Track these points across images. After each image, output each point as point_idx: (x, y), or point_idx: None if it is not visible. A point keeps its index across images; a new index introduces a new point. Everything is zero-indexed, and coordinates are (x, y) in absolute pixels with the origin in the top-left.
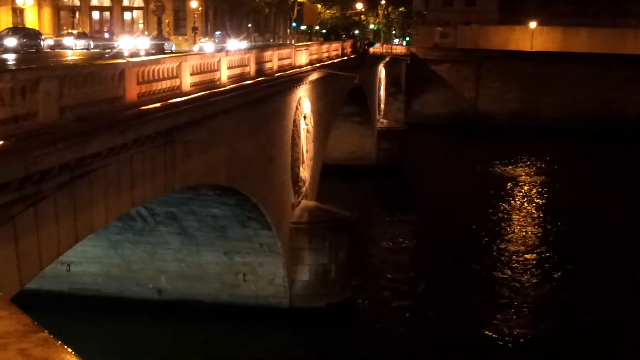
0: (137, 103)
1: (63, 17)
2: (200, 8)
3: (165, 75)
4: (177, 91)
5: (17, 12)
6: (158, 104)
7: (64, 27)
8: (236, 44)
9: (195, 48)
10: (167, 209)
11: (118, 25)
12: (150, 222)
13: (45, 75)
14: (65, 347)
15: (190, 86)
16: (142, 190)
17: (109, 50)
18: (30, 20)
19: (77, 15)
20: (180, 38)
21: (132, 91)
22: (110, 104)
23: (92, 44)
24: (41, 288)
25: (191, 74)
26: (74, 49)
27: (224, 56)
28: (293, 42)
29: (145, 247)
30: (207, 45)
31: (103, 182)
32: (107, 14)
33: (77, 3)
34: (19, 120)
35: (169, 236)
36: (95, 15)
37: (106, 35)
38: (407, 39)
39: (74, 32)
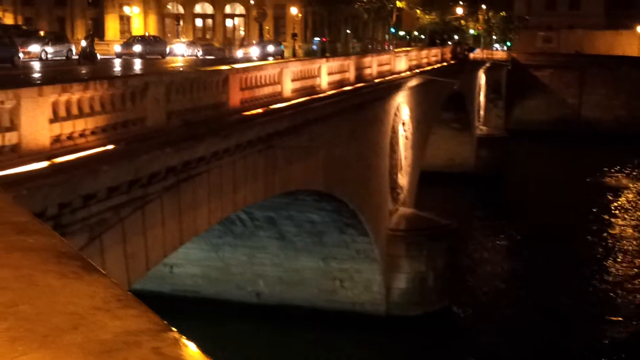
0: (240, 109)
1: (168, 24)
2: (299, 15)
3: (267, 81)
4: (278, 97)
5: (124, 20)
6: (260, 110)
7: (168, 35)
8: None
9: (239, 53)
10: (266, 214)
11: (220, 32)
12: (250, 226)
13: (154, 82)
14: (197, 347)
15: (291, 92)
16: (244, 194)
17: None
18: (136, 28)
19: (181, 22)
20: None
21: (236, 97)
22: (215, 110)
23: (200, 51)
24: (145, 288)
25: (292, 80)
26: (185, 56)
27: (324, 62)
28: (391, 47)
29: (245, 251)
30: (252, 49)
31: (206, 186)
32: (209, 21)
33: (181, 11)
34: (129, 124)
35: (268, 240)
36: (198, 22)
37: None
38: (508, 44)
39: (184, 39)
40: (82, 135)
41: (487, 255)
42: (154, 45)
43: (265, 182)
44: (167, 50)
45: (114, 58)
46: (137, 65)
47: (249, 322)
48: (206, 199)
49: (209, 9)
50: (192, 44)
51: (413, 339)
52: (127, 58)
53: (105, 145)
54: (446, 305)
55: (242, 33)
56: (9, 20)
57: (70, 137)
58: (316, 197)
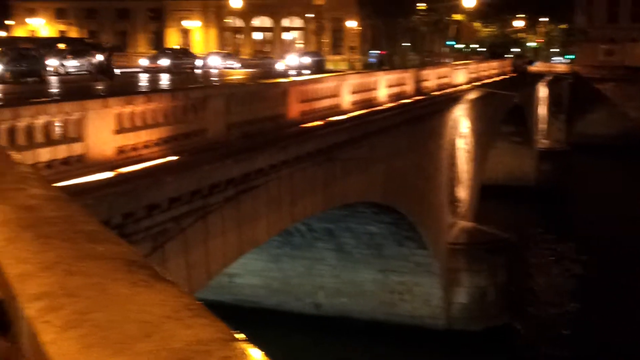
0: (298, 121)
1: (227, 37)
2: (358, 28)
3: (326, 94)
4: (337, 109)
5: (185, 33)
6: (319, 122)
7: (228, 48)
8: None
9: (281, 66)
10: (325, 225)
11: (277, 44)
12: (308, 237)
13: (214, 94)
14: (265, 357)
15: (350, 105)
16: (302, 206)
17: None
18: (197, 41)
19: (239, 35)
20: (337, 57)
21: (295, 109)
22: (274, 122)
23: (238, 63)
24: (206, 298)
25: (351, 93)
26: (220, 68)
27: (382, 75)
28: (450, 60)
29: (304, 262)
30: (288, 60)
31: (265, 197)
32: (268, 34)
33: (241, 24)
34: (190, 136)
35: (326, 252)
36: (257, 35)
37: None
38: (569, 56)
39: (222, 51)
40: (145, 146)
41: (548, 270)
42: (183, 58)
43: (324, 194)
44: (199, 63)
45: (140, 72)
46: (162, 80)
47: (308, 333)
48: (265, 210)
49: (267, 22)
50: (228, 55)
51: (473, 354)
52: (154, 72)
53: (167, 156)
54: (507, 320)
55: (299, 46)
56: (73, 33)
57: (134, 148)
58: (375, 209)
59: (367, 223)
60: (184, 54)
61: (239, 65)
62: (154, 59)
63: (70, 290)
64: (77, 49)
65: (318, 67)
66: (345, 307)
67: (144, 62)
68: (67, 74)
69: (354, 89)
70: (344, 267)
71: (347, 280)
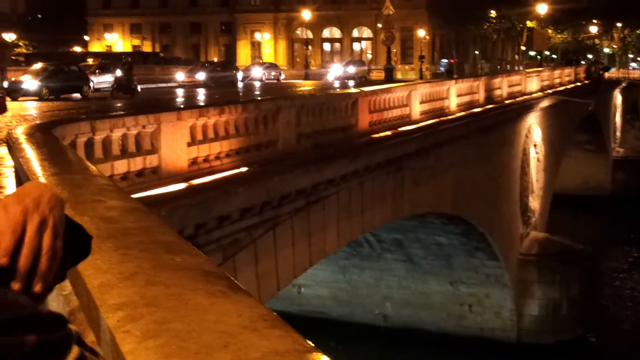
0: (368, 131)
1: (297, 49)
2: (427, 37)
3: (396, 104)
4: (406, 119)
5: (255, 46)
6: (389, 132)
7: (297, 59)
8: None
9: (330, 77)
10: (393, 236)
11: (347, 55)
12: (377, 248)
13: (285, 105)
14: None
15: (420, 114)
16: (371, 216)
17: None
18: (267, 53)
19: (309, 47)
20: (407, 67)
21: (364, 120)
22: (343, 132)
23: (283, 75)
24: (273, 308)
25: (420, 103)
26: (263, 80)
27: (452, 84)
28: (521, 68)
29: (372, 273)
30: (332, 69)
31: (335, 207)
32: (337, 45)
33: (310, 35)
34: (261, 147)
35: (395, 263)
36: (326, 46)
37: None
38: None
39: (262, 61)
40: (217, 157)
41: (624, 283)
42: (222, 71)
43: (393, 205)
44: (240, 76)
45: (175, 87)
46: (193, 97)
47: (375, 345)
48: (335, 220)
49: (336, 33)
50: (271, 66)
51: None
52: (189, 87)
53: (239, 168)
54: (581, 333)
55: (369, 56)
56: (147, 48)
57: (206, 160)
58: (444, 219)
59: (436, 234)
60: (222, 67)
61: (283, 76)
62: (190, 72)
63: (150, 301)
64: (103, 64)
65: (360, 77)
66: (413, 319)
67: (180, 76)
68: (96, 90)
69: (424, 98)
70: (412, 278)
71: (416, 292)
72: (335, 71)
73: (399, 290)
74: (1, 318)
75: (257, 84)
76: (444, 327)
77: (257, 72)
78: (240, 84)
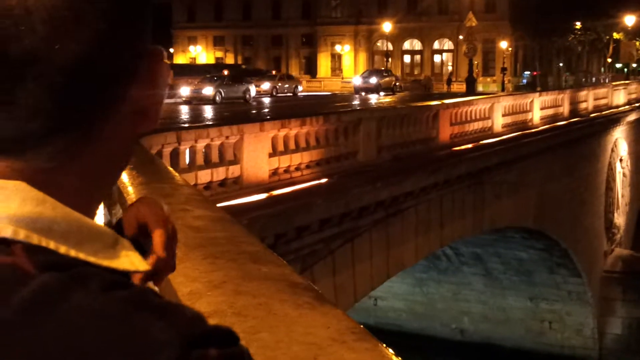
0: (449, 144)
1: (377, 61)
2: (509, 49)
3: (478, 116)
4: (488, 132)
5: (336, 58)
6: (470, 145)
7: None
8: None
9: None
10: (472, 250)
11: (428, 67)
12: (455, 262)
13: (366, 117)
14: None
15: (502, 127)
16: (451, 230)
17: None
18: (348, 65)
19: (389, 59)
20: (488, 79)
21: (445, 132)
22: (424, 145)
23: (301, 87)
24: None
25: (503, 115)
26: (274, 94)
27: (536, 97)
28: (608, 80)
29: (449, 287)
30: (354, 80)
31: (414, 220)
32: (417, 57)
33: (390, 47)
34: (341, 159)
35: (473, 277)
36: (407, 58)
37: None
38: None
39: (273, 72)
40: (297, 168)
41: None
42: (234, 85)
43: (473, 218)
44: (253, 90)
45: (180, 103)
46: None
47: (451, 359)
48: (413, 233)
49: (417, 45)
50: (283, 78)
51: None
52: (196, 103)
53: (319, 179)
54: None
55: (449, 68)
56: (229, 60)
57: (287, 170)
58: (525, 234)
59: (516, 248)
60: (233, 80)
61: (301, 89)
62: (197, 87)
63: (238, 310)
64: (232, 75)
65: (386, 90)
66: (491, 334)
67: (185, 91)
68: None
69: (507, 111)
70: (491, 293)
71: (494, 307)
72: (355, 82)
73: (476, 304)
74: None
75: (267, 99)
76: (522, 343)
77: (266, 85)
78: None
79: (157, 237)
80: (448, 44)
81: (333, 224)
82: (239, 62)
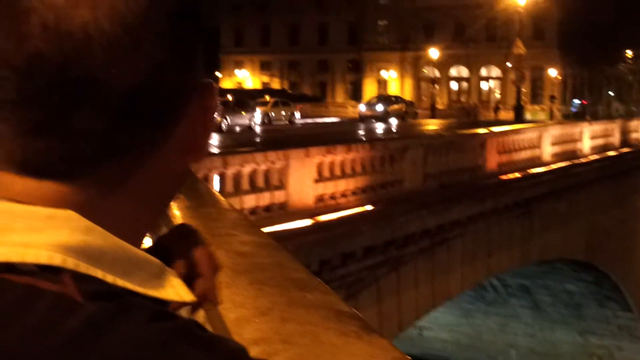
0: (496, 172)
1: (423, 88)
2: (559, 77)
3: (526, 145)
4: (536, 161)
5: (382, 84)
6: (518, 174)
7: (423, 98)
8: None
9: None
10: (520, 281)
11: (475, 94)
12: (502, 293)
13: (412, 145)
14: None
15: (551, 156)
16: (498, 260)
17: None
18: (393, 91)
19: (436, 85)
20: (537, 107)
21: (493, 160)
22: (471, 173)
23: (298, 114)
24: None
25: (552, 144)
26: (266, 122)
27: (586, 126)
28: None
29: (496, 319)
30: (360, 107)
31: (460, 249)
32: (464, 84)
33: (437, 74)
34: (387, 186)
35: (521, 309)
36: (454, 85)
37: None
38: None
39: (265, 99)
40: (343, 195)
41: None
42: (238, 112)
43: (520, 249)
44: (258, 117)
45: None
46: None
47: None
48: (459, 263)
49: (464, 71)
50: (278, 104)
51: None
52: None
53: (364, 206)
54: None
55: (497, 96)
56: (275, 84)
57: (332, 197)
58: (574, 266)
59: (565, 281)
60: (237, 105)
61: (298, 116)
62: None
63: (285, 337)
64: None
65: (399, 117)
66: None
67: None
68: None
69: (556, 140)
70: (539, 325)
71: (542, 340)
72: (360, 109)
73: (524, 337)
74: None
75: (258, 128)
76: None
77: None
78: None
79: (205, 269)
80: (495, 71)
81: (378, 252)
82: (285, 87)
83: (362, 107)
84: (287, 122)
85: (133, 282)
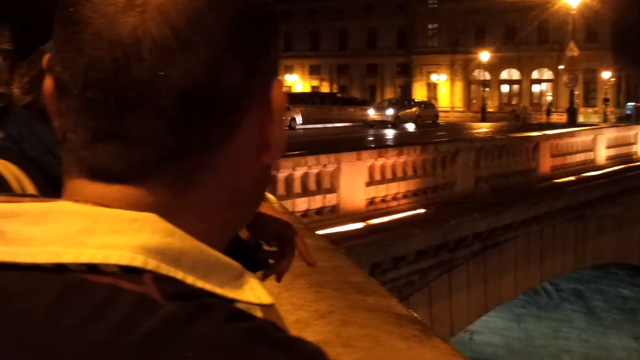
0: (549, 176)
1: (473, 91)
2: (612, 79)
3: (579, 148)
4: (590, 165)
5: (431, 87)
6: (572, 177)
7: (473, 101)
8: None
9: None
10: (573, 286)
11: (526, 98)
12: (555, 298)
13: (464, 148)
14: None
15: (605, 160)
16: (551, 264)
17: None
18: (443, 94)
19: (486, 89)
20: (590, 110)
21: (546, 164)
22: (523, 176)
23: (299, 120)
24: None
25: (606, 148)
26: None
27: None
28: None
29: (549, 324)
30: (369, 112)
31: (513, 253)
32: (515, 87)
33: (488, 77)
34: (438, 189)
35: (573, 314)
36: (504, 88)
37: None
38: None
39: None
40: (394, 198)
41: None
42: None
43: (574, 253)
44: (299, 118)
45: None
46: None
47: None
48: (512, 267)
49: (515, 74)
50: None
51: None
52: None
53: (416, 209)
54: None
55: (549, 98)
56: (325, 88)
57: (383, 200)
58: (630, 271)
59: (620, 285)
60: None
61: (300, 122)
62: None
63: (346, 340)
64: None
65: (415, 121)
66: None
67: None
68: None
69: (610, 143)
70: (593, 331)
71: (596, 346)
72: (369, 113)
73: (577, 343)
74: None
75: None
76: None
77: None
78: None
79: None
80: (547, 74)
81: (430, 255)
82: (335, 90)
83: (371, 112)
84: (286, 128)
85: (212, 284)
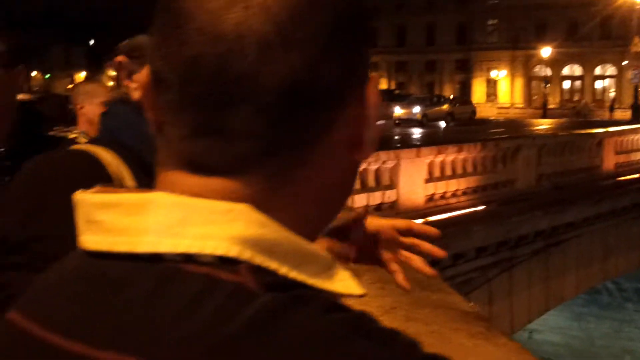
0: (613, 173)
1: (534, 87)
2: None
3: None
4: None
5: (491, 83)
6: (637, 175)
7: (535, 97)
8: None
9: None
10: (636, 285)
11: (589, 94)
12: (617, 297)
13: (525, 144)
14: None
15: None
16: (615, 264)
17: None
18: (503, 91)
19: (548, 85)
20: None
21: (610, 161)
22: (587, 173)
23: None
24: None
25: None
26: None
27: None
28: None
29: (611, 323)
30: (395, 109)
31: (575, 252)
32: (577, 83)
33: (549, 73)
34: (499, 186)
35: (637, 314)
36: (566, 84)
37: None
38: None
39: None
40: (453, 195)
41: None
42: None
43: (639, 252)
44: None
45: None
46: None
47: None
48: (574, 266)
49: (577, 70)
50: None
51: None
52: None
53: (475, 206)
54: None
55: (612, 95)
56: (383, 85)
57: (442, 196)
58: None
59: None
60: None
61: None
62: None
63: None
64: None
65: (445, 120)
66: None
67: None
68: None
69: None
70: None
71: None
72: (396, 112)
73: None
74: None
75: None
76: None
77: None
78: None
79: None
80: (611, 70)
81: (490, 252)
82: (393, 87)
83: (397, 109)
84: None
85: (305, 275)
